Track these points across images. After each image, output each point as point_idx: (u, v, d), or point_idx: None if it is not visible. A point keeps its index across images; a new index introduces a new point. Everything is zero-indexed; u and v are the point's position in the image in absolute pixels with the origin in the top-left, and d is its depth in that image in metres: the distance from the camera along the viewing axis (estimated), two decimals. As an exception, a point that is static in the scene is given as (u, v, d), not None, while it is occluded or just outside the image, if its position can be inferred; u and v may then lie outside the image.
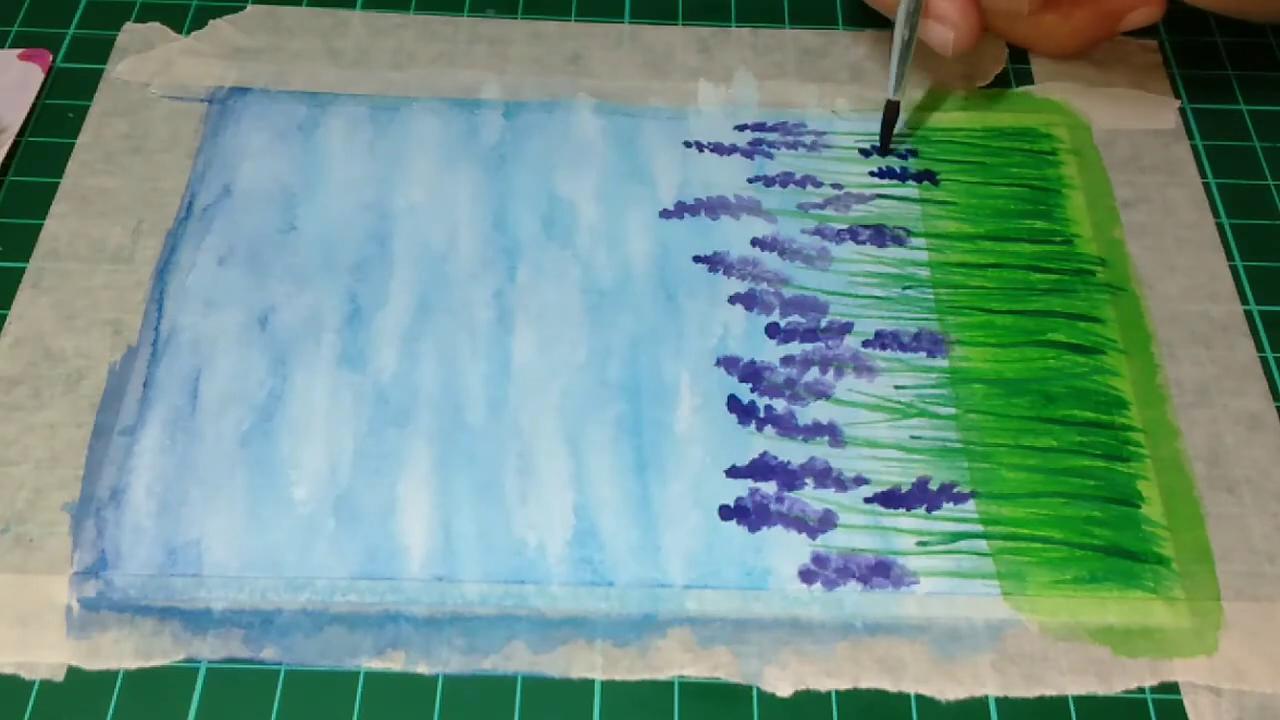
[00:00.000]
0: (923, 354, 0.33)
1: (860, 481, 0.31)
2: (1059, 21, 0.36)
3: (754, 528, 0.30)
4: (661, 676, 0.28)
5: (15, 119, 0.37)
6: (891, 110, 0.37)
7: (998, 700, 0.28)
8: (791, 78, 0.40)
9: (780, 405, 0.32)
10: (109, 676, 0.28)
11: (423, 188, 0.36)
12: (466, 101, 0.38)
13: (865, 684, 0.28)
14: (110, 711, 0.27)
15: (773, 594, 0.29)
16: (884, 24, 0.41)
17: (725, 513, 0.30)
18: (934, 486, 0.31)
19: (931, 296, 0.35)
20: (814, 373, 0.33)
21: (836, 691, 0.28)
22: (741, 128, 0.38)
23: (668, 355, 0.33)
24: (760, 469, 0.31)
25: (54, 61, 0.39)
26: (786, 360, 0.33)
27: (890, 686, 0.28)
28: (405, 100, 0.38)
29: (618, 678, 0.28)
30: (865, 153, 0.38)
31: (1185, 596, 0.29)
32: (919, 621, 0.29)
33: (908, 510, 0.31)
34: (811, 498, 0.31)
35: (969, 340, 0.34)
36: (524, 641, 0.28)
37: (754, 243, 0.36)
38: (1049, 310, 0.34)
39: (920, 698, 0.28)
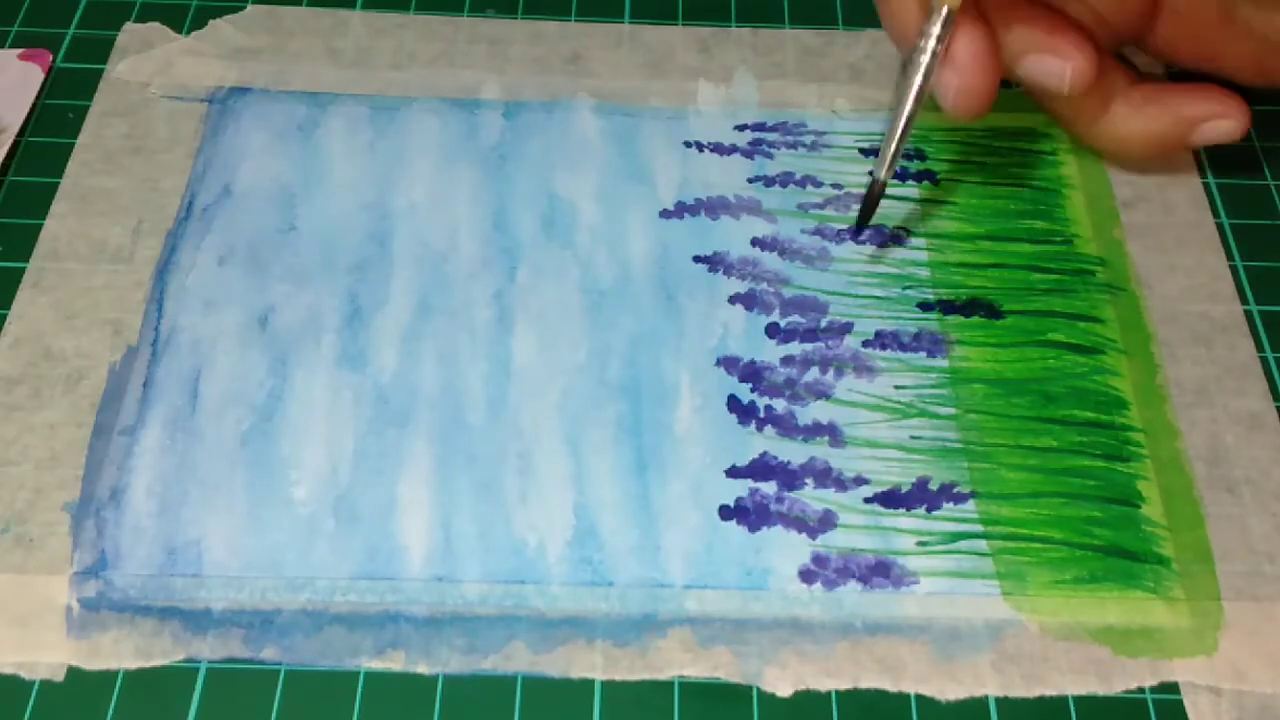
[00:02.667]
0: (923, 354, 0.33)
1: (860, 481, 0.31)
2: (1128, 114, 0.34)
3: (754, 528, 0.30)
4: (661, 676, 0.28)
5: (15, 119, 0.37)
6: (877, 190, 0.34)
7: (998, 700, 0.28)
8: (791, 78, 0.40)
9: (780, 405, 0.32)
10: (109, 676, 0.28)
11: (423, 188, 0.36)
12: (466, 101, 0.38)
13: (865, 684, 0.28)
14: (110, 711, 0.27)
15: (773, 594, 0.29)
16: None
17: (725, 513, 0.30)
18: (934, 486, 0.31)
19: (932, 296, 0.35)
20: (814, 373, 0.33)
21: (836, 691, 0.28)
22: (741, 128, 0.38)
23: (668, 355, 0.33)
24: (760, 469, 0.31)
25: (54, 61, 0.39)
26: (786, 360, 0.33)
27: (890, 686, 0.28)
28: (405, 100, 0.38)
29: (618, 678, 0.28)
30: (865, 152, 0.38)
31: (1185, 596, 0.29)
32: (919, 621, 0.29)
33: (908, 510, 0.31)
34: (811, 498, 0.31)
35: (969, 340, 0.34)
36: (524, 641, 0.28)
37: (754, 243, 0.36)
38: (1049, 310, 0.34)
39: (920, 698, 0.28)
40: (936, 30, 0.30)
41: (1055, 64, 0.32)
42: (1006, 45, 0.32)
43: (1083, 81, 0.32)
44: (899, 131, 0.32)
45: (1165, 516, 0.31)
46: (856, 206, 0.36)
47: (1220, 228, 0.37)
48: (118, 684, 0.28)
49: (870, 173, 0.34)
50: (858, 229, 0.35)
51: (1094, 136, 0.35)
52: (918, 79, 0.31)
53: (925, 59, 0.31)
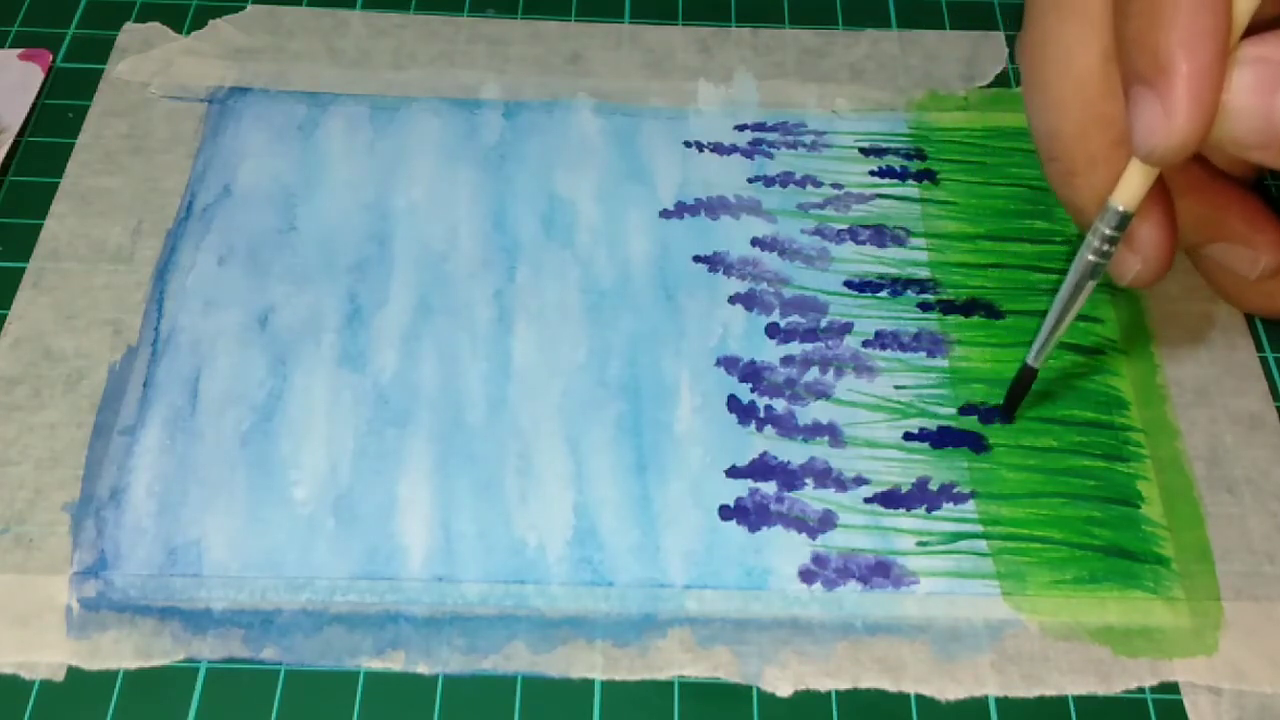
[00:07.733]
0: (923, 354, 0.33)
1: (860, 481, 0.31)
2: None
3: (754, 528, 0.30)
4: (661, 676, 0.28)
5: (15, 119, 0.37)
6: (1027, 376, 0.31)
7: (998, 700, 0.28)
8: (791, 78, 0.40)
9: (780, 405, 0.32)
10: (109, 676, 0.28)
11: (423, 188, 0.36)
12: (466, 101, 0.38)
13: (865, 684, 0.28)
14: (110, 711, 0.27)
15: (773, 594, 0.29)
16: (884, 24, 0.41)
17: (725, 513, 0.30)
18: (934, 486, 0.31)
19: (932, 297, 0.35)
20: (814, 373, 0.33)
21: (836, 691, 0.28)
22: (741, 128, 0.38)
23: (668, 355, 0.33)
24: (760, 469, 0.31)
25: (54, 61, 0.39)
26: (786, 360, 0.33)
27: (890, 686, 0.28)
28: (405, 100, 0.38)
29: (618, 678, 0.28)
30: (865, 152, 0.38)
31: (1185, 596, 0.30)
32: (919, 621, 0.29)
33: (908, 510, 0.31)
34: (811, 498, 0.31)
35: (969, 340, 0.34)
36: (524, 641, 0.28)
37: (754, 243, 0.36)
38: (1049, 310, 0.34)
39: (920, 698, 0.28)
40: (1108, 232, 0.27)
41: (1247, 255, 0.31)
42: (1195, 224, 0.30)
43: (1270, 272, 0.31)
44: (1060, 321, 0.29)
45: (1165, 516, 0.31)
46: (857, 206, 0.37)
47: (1220, 228, 0.37)
48: (118, 684, 0.28)
49: (1024, 362, 0.31)
50: (1006, 417, 0.32)
51: (1253, 306, 0.34)
52: (1085, 278, 0.28)
53: (1094, 257, 0.28)
